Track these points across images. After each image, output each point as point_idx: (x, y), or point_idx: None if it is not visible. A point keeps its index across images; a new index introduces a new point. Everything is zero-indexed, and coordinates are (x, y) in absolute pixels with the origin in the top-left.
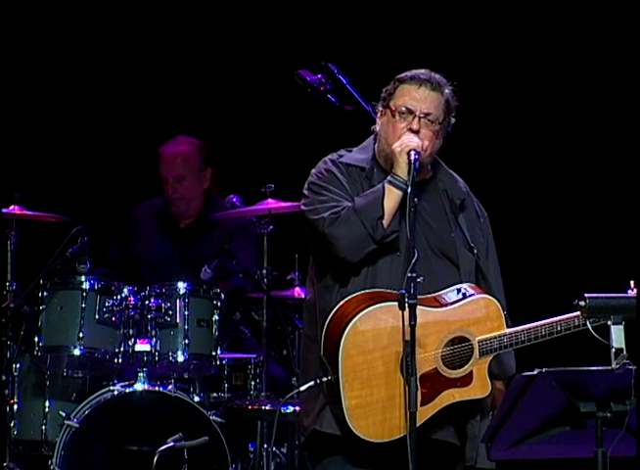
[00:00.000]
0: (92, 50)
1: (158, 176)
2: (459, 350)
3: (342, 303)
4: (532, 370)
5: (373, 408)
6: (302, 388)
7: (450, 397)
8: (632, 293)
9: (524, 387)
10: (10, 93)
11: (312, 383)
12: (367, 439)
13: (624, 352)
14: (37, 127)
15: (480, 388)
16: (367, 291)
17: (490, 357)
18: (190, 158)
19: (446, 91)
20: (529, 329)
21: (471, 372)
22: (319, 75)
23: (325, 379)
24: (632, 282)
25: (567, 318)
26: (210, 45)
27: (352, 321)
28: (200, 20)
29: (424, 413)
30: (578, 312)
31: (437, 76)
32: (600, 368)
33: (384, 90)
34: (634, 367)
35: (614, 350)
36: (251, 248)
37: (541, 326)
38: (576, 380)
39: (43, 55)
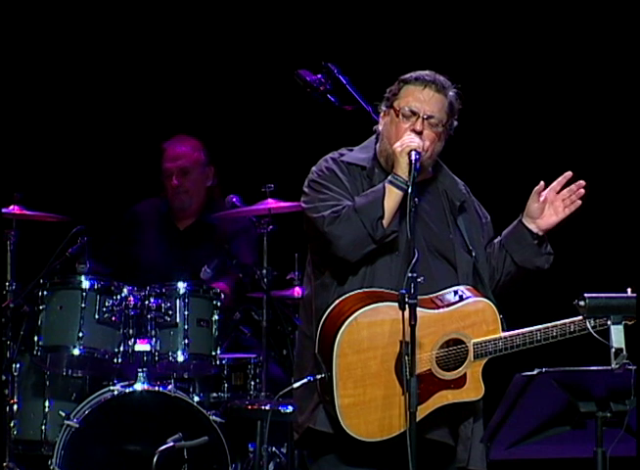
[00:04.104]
0: (92, 51)
1: (157, 176)
2: (454, 352)
3: (338, 301)
4: (532, 370)
5: (366, 407)
6: (296, 385)
7: (444, 398)
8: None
9: (524, 387)
10: (10, 93)
11: (305, 380)
12: (359, 438)
13: (624, 352)
14: (37, 127)
15: (473, 390)
16: (364, 290)
17: (485, 361)
18: (195, 152)
19: (450, 93)
20: (525, 333)
21: (465, 374)
22: (319, 75)
23: (319, 377)
24: (629, 289)
25: (563, 324)
26: (210, 45)
27: (348, 320)
28: (199, 20)
29: (418, 414)
30: (575, 318)
31: (442, 78)
32: (600, 368)
33: (387, 90)
34: (634, 367)
35: (614, 350)
36: (251, 246)
37: (537, 331)
38: (576, 380)
39: (43, 55)
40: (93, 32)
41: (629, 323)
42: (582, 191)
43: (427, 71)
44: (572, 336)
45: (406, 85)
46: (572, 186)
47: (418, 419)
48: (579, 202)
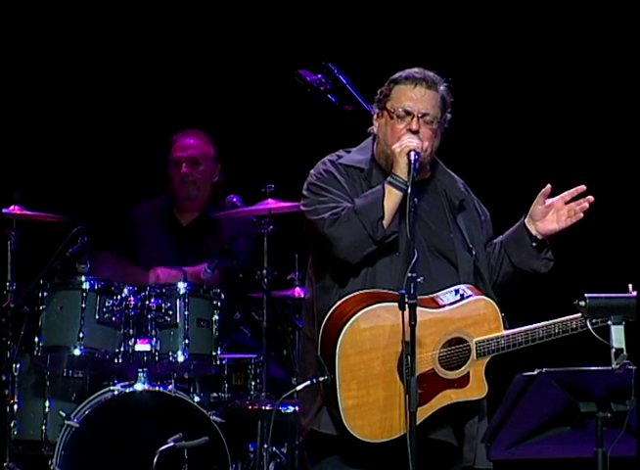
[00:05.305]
0: (93, 52)
1: (158, 177)
2: (456, 351)
3: (339, 302)
4: (532, 370)
5: (369, 408)
6: (299, 387)
7: (447, 398)
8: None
9: (524, 387)
10: (10, 93)
11: (309, 382)
12: (363, 439)
13: (624, 352)
14: (37, 127)
15: (476, 389)
16: (365, 291)
17: (487, 359)
18: (205, 144)
19: (441, 88)
20: (527, 331)
21: (468, 373)
22: (319, 75)
23: (322, 379)
24: (630, 286)
25: (564, 320)
26: (211, 45)
27: (350, 321)
28: (199, 21)
29: (421, 414)
30: (576, 315)
31: (431, 74)
32: (600, 368)
33: (378, 92)
34: (634, 367)
35: (614, 350)
36: (248, 247)
37: (539, 328)
38: (576, 380)
39: (43, 55)
40: (96, 38)
41: (631, 320)
42: (587, 205)
43: (416, 69)
44: (575, 332)
45: (397, 85)
46: (581, 200)
47: (422, 419)
48: (582, 215)
